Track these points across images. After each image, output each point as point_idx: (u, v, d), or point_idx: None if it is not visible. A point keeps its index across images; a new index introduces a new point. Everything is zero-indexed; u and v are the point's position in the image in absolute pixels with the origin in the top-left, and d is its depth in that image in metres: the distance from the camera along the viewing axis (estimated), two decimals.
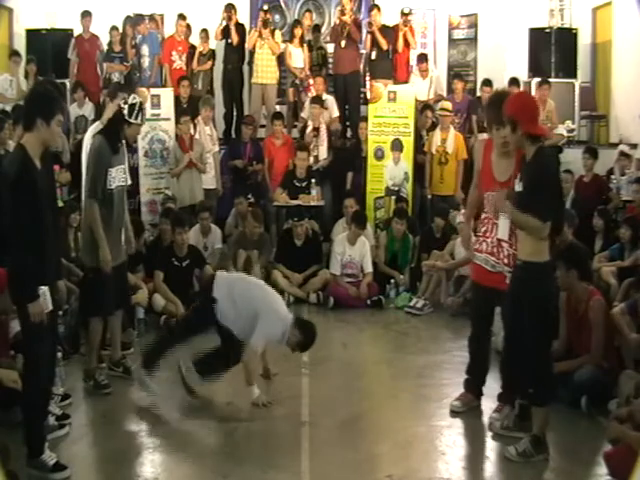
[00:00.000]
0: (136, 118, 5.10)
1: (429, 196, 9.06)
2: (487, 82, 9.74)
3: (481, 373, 4.93)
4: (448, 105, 9.14)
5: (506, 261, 4.51)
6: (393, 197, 8.81)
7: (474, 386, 4.95)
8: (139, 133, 5.47)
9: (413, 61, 10.65)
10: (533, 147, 4.04)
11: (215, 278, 5.13)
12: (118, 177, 5.08)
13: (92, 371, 5.20)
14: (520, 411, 4.48)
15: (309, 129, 9.21)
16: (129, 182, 5.96)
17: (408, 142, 8.96)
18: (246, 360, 4.89)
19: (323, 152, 9.17)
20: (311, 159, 9.02)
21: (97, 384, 5.15)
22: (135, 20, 10.30)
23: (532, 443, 4.19)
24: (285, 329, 4.93)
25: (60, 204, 6.38)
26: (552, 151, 4.09)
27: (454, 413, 4.88)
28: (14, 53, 9.92)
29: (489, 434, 4.58)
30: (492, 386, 5.27)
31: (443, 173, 8.85)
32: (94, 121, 7.48)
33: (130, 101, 5.13)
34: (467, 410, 4.89)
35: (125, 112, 5.08)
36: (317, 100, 9.28)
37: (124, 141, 5.41)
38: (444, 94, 10.38)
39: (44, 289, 3.86)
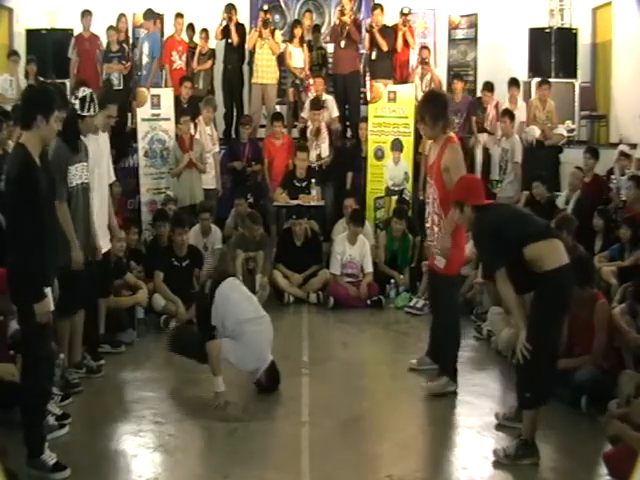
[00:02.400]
0: (89, 110, 5.06)
1: (421, 197, 9.03)
2: (489, 86, 9.70)
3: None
4: None
5: (435, 243, 5.20)
6: (394, 197, 8.81)
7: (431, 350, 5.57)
8: (94, 124, 5.28)
9: (413, 62, 10.67)
10: (473, 216, 4.36)
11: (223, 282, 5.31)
12: (79, 175, 5.01)
13: (63, 370, 5.10)
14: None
15: (309, 129, 9.21)
16: (113, 178, 5.91)
17: (408, 142, 8.97)
18: (209, 350, 5.00)
19: (325, 150, 9.17)
20: (313, 157, 9.03)
21: (68, 383, 5.09)
22: (151, 16, 10.26)
23: (520, 447, 4.19)
24: (258, 368, 5.10)
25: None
26: (485, 214, 4.36)
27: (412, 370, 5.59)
28: (12, 53, 9.93)
29: (489, 434, 4.58)
30: (491, 386, 5.30)
31: None
32: None
33: (80, 95, 5.08)
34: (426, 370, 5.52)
35: (77, 107, 5.05)
36: (316, 104, 9.25)
37: (106, 138, 5.49)
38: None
39: (47, 289, 3.86)
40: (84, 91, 5.11)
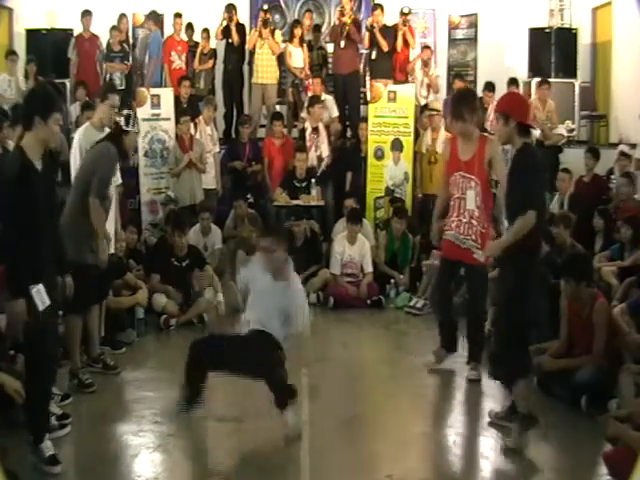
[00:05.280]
0: (132, 126, 5.40)
1: (419, 195, 9.04)
2: (490, 87, 9.71)
3: (450, 332, 5.68)
4: (437, 105, 9.17)
5: (474, 237, 5.27)
6: (389, 197, 8.83)
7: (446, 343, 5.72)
8: (136, 141, 5.82)
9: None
10: (520, 142, 4.28)
11: None
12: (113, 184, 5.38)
13: (76, 370, 5.17)
14: (513, 402, 4.54)
15: (308, 131, 9.21)
16: (119, 181, 6.00)
17: (408, 142, 8.97)
18: None
19: (325, 150, 9.17)
20: (314, 159, 9.03)
21: (81, 383, 5.13)
22: (154, 17, 10.29)
23: (522, 422, 4.28)
24: None
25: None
26: (537, 150, 4.35)
27: (431, 370, 5.66)
28: (10, 52, 9.94)
29: (489, 434, 4.58)
30: (491, 386, 5.29)
31: (432, 172, 8.81)
32: None
33: (125, 112, 5.48)
34: (442, 367, 5.67)
35: (122, 123, 5.37)
36: (316, 100, 9.28)
37: None
38: (443, 93, 10.40)
39: (38, 287, 3.86)
40: (128, 111, 5.56)
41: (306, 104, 9.51)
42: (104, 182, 5.10)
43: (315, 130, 9.16)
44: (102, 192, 5.08)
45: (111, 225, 5.63)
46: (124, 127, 5.33)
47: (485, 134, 5.37)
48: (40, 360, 3.96)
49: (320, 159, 9.12)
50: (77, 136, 5.78)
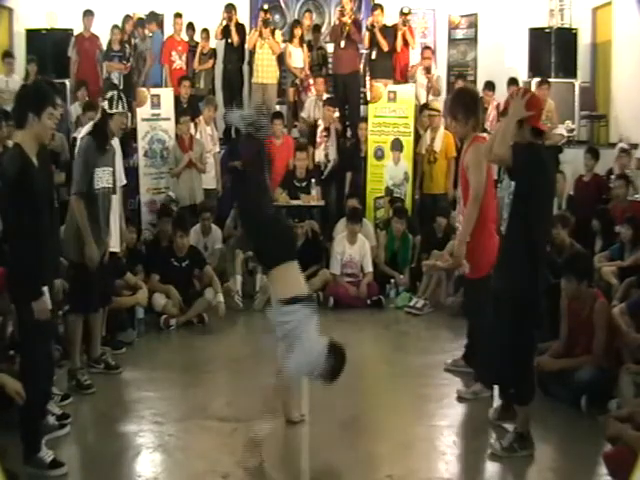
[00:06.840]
0: (117, 107, 5.33)
1: (416, 196, 9.04)
2: (490, 86, 9.74)
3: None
4: (437, 105, 9.17)
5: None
6: (388, 197, 8.84)
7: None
8: (125, 122, 5.66)
9: (413, 61, 10.65)
10: (527, 141, 4.17)
11: None
12: (104, 178, 5.12)
13: (75, 371, 5.17)
14: (504, 402, 4.60)
15: (320, 128, 9.22)
16: (124, 182, 6.00)
17: (408, 142, 8.97)
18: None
19: (333, 152, 9.19)
20: (322, 156, 9.08)
21: (80, 384, 5.12)
22: (149, 19, 10.32)
23: (516, 439, 4.24)
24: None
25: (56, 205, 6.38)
26: (547, 151, 4.31)
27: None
28: (7, 54, 9.94)
29: (488, 434, 4.58)
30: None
31: (432, 172, 8.83)
32: None
33: (108, 95, 5.45)
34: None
35: (105, 106, 5.31)
36: (331, 102, 9.35)
37: (117, 143, 5.55)
38: (443, 94, 10.40)
39: (44, 289, 3.86)
40: (112, 92, 5.46)
41: (308, 105, 9.56)
42: (82, 178, 4.99)
43: (326, 130, 9.19)
44: (81, 188, 4.97)
45: (115, 225, 5.62)
46: (108, 110, 5.29)
47: (478, 136, 5.01)
48: (35, 360, 3.95)
49: (327, 159, 9.14)
50: (81, 134, 5.79)
